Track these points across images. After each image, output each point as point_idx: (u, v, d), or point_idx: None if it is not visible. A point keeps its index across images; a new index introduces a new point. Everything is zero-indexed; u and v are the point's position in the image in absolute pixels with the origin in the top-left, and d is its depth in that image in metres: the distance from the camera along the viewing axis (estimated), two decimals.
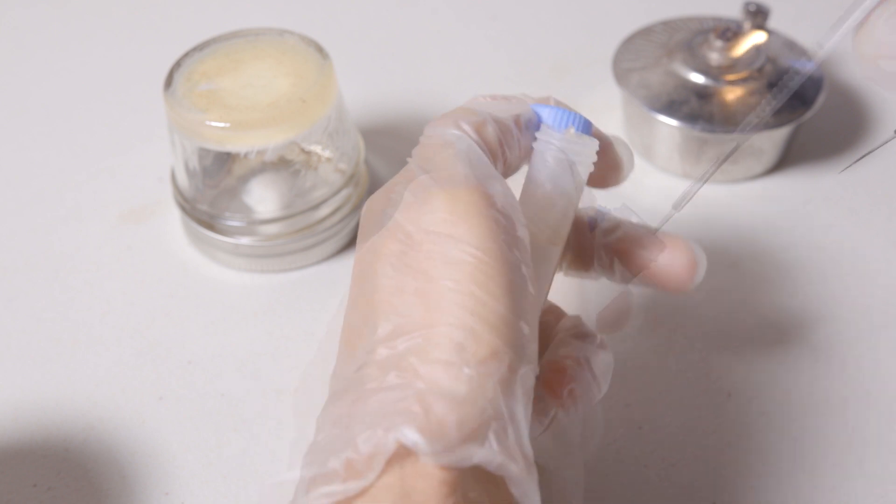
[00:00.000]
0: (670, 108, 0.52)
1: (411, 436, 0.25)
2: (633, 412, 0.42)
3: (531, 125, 0.34)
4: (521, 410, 0.27)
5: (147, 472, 0.40)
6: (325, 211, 0.48)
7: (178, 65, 0.47)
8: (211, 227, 0.48)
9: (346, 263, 0.49)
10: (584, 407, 0.33)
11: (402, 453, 0.25)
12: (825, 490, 0.39)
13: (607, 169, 0.36)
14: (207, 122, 0.44)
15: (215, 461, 0.41)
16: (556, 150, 0.33)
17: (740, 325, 0.45)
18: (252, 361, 0.45)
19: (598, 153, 0.34)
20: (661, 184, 0.54)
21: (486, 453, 0.25)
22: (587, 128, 0.34)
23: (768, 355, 0.44)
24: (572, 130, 0.34)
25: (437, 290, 0.28)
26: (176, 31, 0.67)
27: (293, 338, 0.46)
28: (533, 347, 0.28)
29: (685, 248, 0.35)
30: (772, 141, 0.52)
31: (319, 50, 0.47)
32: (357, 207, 0.50)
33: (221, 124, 0.44)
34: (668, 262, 0.35)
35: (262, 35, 0.48)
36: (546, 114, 0.34)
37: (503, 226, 0.29)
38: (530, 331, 0.28)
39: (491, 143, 0.32)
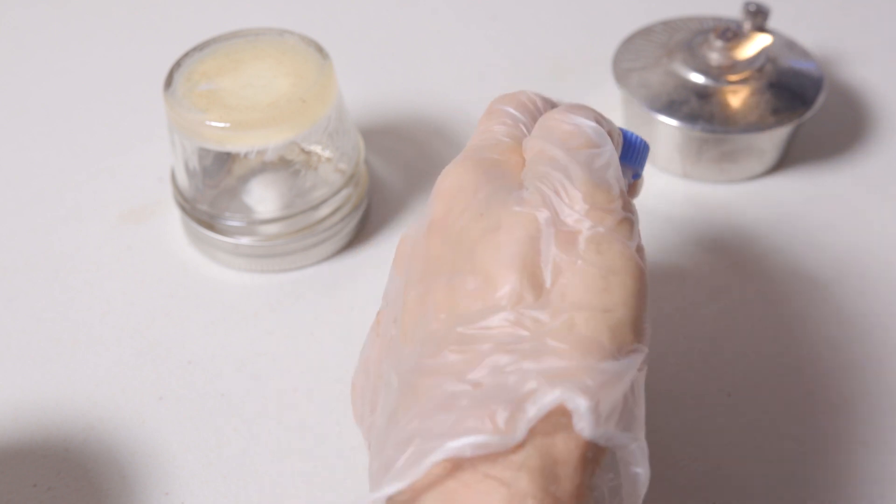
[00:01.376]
0: (670, 108, 0.52)
1: (579, 400, 0.26)
2: None
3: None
4: (642, 404, 0.29)
5: (147, 472, 0.40)
6: (325, 211, 0.48)
7: (178, 65, 0.47)
8: (211, 227, 0.48)
9: (347, 263, 0.49)
10: None
11: (553, 419, 0.26)
12: (825, 490, 0.39)
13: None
14: (207, 122, 0.44)
15: (215, 461, 0.41)
16: None
17: (740, 324, 0.45)
18: (252, 361, 0.45)
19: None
20: (662, 184, 0.54)
21: (625, 438, 0.28)
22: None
23: (768, 355, 0.44)
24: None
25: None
26: (176, 31, 0.67)
27: (293, 338, 0.46)
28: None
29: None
30: (772, 141, 0.52)
31: (319, 50, 0.47)
32: (357, 207, 0.50)
33: (221, 124, 0.44)
34: None
35: (262, 35, 0.48)
36: None
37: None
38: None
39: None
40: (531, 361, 0.27)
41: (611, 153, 0.31)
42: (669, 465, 0.40)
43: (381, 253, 0.50)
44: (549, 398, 0.26)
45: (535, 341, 0.27)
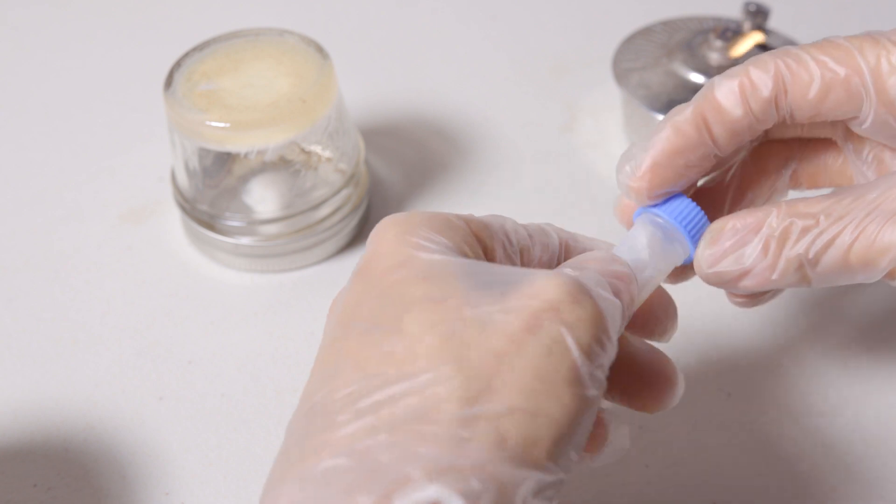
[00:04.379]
0: (670, 108, 0.51)
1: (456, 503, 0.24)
2: (633, 412, 0.42)
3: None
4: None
5: (147, 472, 0.40)
6: (325, 211, 0.48)
7: (178, 65, 0.47)
8: (211, 227, 0.48)
9: (347, 263, 0.49)
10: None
11: None
12: (825, 490, 0.39)
13: (653, 312, 0.35)
14: (207, 122, 0.44)
15: (215, 461, 0.41)
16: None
17: (741, 324, 0.45)
18: (252, 361, 0.45)
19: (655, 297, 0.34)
20: None
21: None
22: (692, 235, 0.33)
23: (769, 355, 0.44)
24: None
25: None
26: (176, 31, 0.67)
27: (293, 338, 0.46)
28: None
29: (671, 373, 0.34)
30: None
31: (319, 50, 0.47)
32: (357, 207, 0.50)
33: (221, 124, 0.44)
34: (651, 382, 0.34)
35: (262, 35, 0.48)
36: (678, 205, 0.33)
37: None
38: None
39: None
40: (421, 444, 0.25)
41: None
42: (669, 464, 0.40)
43: None
44: (423, 494, 0.24)
45: (436, 423, 0.25)
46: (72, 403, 0.43)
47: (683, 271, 0.36)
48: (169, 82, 0.46)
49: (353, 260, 0.50)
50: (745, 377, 0.43)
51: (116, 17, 0.69)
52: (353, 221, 0.50)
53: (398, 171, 0.55)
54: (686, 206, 0.33)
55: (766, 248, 0.31)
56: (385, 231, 0.30)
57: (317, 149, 0.47)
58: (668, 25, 0.57)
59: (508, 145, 0.56)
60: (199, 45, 0.48)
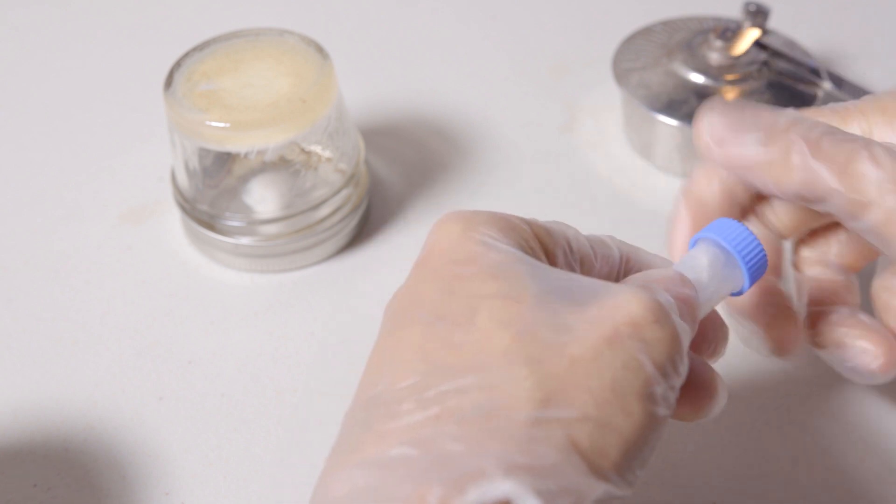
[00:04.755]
0: (670, 108, 0.52)
1: (531, 502, 0.24)
2: None
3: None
4: None
5: (147, 472, 0.40)
6: (325, 211, 0.48)
7: (178, 65, 0.47)
8: (211, 227, 0.48)
9: (347, 263, 0.49)
10: None
11: None
12: (825, 490, 0.39)
13: (705, 333, 0.34)
14: (207, 122, 0.44)
15: (215, 461, 0.41)
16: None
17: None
18: (252, 361, 0.45)
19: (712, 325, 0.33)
20: (662, 184, 0.54)
21: None
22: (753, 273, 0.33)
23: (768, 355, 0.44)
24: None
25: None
26: (176, 31, 0.67)
27: (293, 338, 0.46)
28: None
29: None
30: None
31: (319, 50, 0.47)
32: (357, 207, 0.50)
33: (221, 124, 0.44)
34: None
35: (262, 35, 0.48)
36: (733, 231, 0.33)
37: None
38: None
39: None
40: (493, 440, 0.24)
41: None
42: (669, 465, 0.40)
43: (381, 253, 0.50)
44: (498, 489, 0.23)
45: (507, 420, 0.25)
46: (72, 403, 0.43)
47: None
48: (169, 82, 0.46)
49: (353, 260, 0.50)
50: (745, 377, 0.43)
51: (116, 17, 0.69)
52: (353, 221, 0.50)
53: (398, 171, 0.55)
54: (746, 236, 0.33)
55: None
56: (448, 226, 0.29)
57: (317, 149, 0.47)
58: (668, 25, 0.57)
59: (508, 145, 0.56)
60: (199, 45, 0.48)
